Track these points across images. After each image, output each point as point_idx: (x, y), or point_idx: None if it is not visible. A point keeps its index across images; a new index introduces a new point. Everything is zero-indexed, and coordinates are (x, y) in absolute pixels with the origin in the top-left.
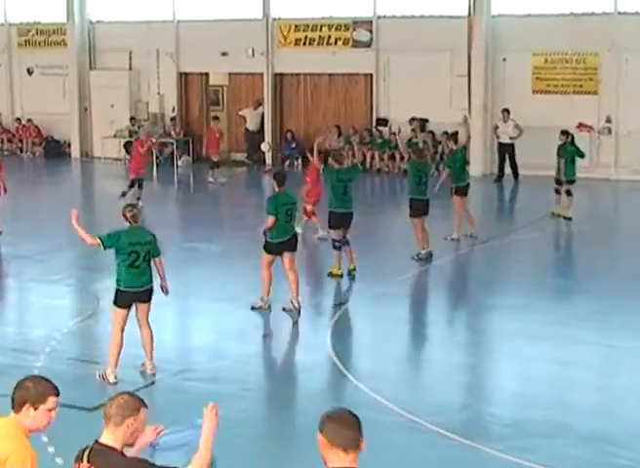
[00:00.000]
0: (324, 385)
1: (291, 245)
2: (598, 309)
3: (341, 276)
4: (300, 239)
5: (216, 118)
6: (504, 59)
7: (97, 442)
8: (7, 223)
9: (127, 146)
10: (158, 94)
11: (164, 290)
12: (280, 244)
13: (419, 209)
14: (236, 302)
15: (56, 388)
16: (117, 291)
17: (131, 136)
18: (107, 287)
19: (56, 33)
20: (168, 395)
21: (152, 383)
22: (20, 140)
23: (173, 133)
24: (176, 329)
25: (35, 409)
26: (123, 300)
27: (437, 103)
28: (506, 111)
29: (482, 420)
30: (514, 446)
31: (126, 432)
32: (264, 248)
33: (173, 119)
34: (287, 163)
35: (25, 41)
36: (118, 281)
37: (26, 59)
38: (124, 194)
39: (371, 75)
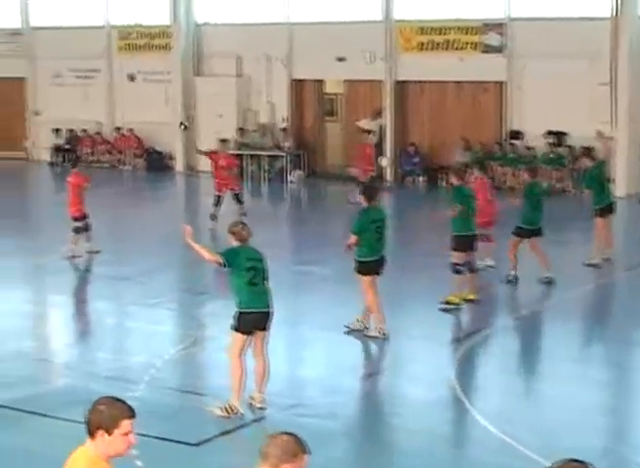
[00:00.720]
0: (449, 424)
1: (378, 266)
2: None
3: (466, 302)
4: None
5: (368, 132)
6: None
7: None
8: (106, 241)
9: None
10: (268, 102)
11: None
12: (372, 263)
13: (524, 234)
14: (350, 331)
15: (131, 410)
16: (239, 313)
17: (239, 148)
18: (212, 311)
19: (159, 36)
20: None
21: (262, 418)
22: (120, 152)
23: (284, 145)
24: (286, 359)
25: (109, 434)
26: (245, 324)
27: (576, 115)
28: None
29: (624, 465)
30: None
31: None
32: (358, 270)
33: (284, 130)
34: (408, 179)
35: (127, 45)
36: (240, 303)
37: (127, 65)
38: (213, 217)
39: (502, 83)
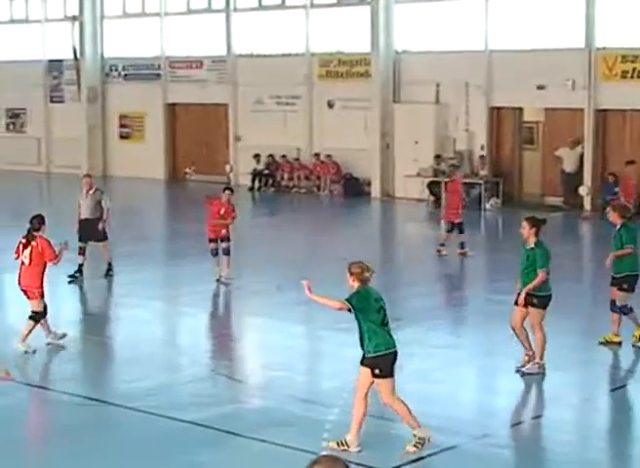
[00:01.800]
0: None
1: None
2: None
3: (620, 344)
4: None
5: (631, 162)
6: None
7: None
8: (298, 266)
9: (431, 187)
10: (466, 130)
11: None
12: (549, 297)
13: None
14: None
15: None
16: (377, 357)
17: (436, 175)
18: (405, 338)
19: (359, 64)
20: (469, 462)
21: (453, 447)
22: (318, 177)
23: (481, 173)
24: (478, 389)
25: None
26: (388, 365)
27: None
28: None
29: None
30: None
31: None
32: (541, 304)
33: (482, 157)
34: (607, 209)
35: (327, 72)
36: (376, 346)
37: (327, 92)
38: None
39: None
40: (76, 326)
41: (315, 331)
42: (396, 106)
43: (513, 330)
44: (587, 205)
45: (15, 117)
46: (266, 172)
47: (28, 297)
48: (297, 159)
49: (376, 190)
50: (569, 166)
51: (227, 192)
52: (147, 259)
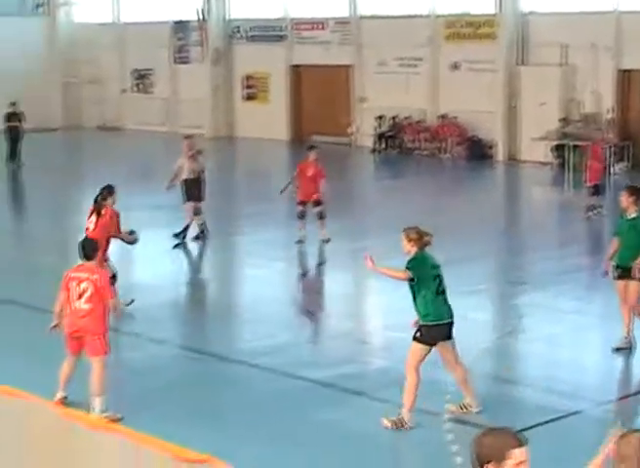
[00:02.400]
0: None
1: None
2: None
3: None
4: None
5: None
6: None
7: None
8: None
9: (557, 150)
10: (593, 92)
11: None
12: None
13: None
14: None
15: (518, 438)
16: (426, 326)
17: (561, 138)
18: (532, 302)
19: (485, 25)
20: (593, 428)
21: (578, 412)
22: (442, 140)
23: (609, 136)
24: (604, 355)
25: (500, 466)
26: (431, 337)
27: None
28: None
29: None
30: None
31: None
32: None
33: (609, 121)
34: None
35: (452, 34)
36: (427, 315)
37: (452, 53)
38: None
39: None
40: (198, 287)
41: None
42: (522, 68)
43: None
44: None
45: (141, 78)
46: (390, 133)
47: None
48: (420, 121)
49: (500, 153)
50: None
51: (314, 151)
52: (270, 220)
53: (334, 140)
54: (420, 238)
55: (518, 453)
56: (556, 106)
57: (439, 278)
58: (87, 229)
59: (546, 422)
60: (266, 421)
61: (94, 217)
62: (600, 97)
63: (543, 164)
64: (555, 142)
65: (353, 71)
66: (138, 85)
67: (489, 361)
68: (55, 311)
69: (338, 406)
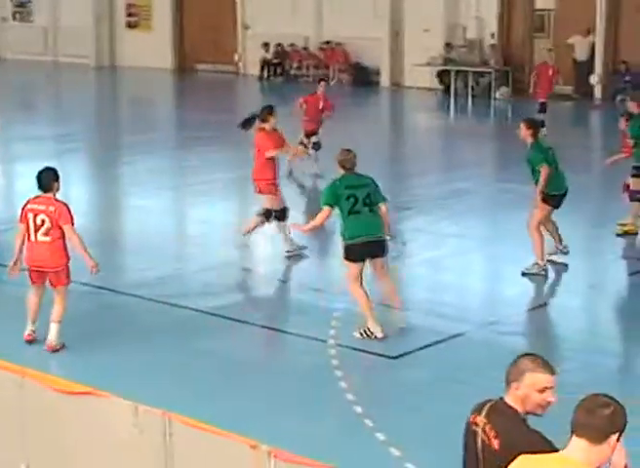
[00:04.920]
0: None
1: (562, 200)
2: None
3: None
4: None
5: (549, 50)
6: None
7: (501, 398)
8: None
9: (441, 76)
10: (477, 18)
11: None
12: (559, 197)
13: None
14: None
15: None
16: (345, 246)
17: (445, 63)
18: (416, 227)
19: None
20: (478, 348)
21: (460, 334)
22: (327, 66)
23: (491, 61)
24: (485, 277)
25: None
26: (353, 255)
27: None
28: None
29: None
30: None
31: (516, 398)
32: (545, 200)
33: (492, 46)
34: (618, 98)
35: None
36: (342, 235)
37: None
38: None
39: None
40: (86, 217)
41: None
42: None
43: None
44: (598, 93)
45: (21, 6)
46: (275, 61)
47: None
48: (305, 48)
49: (385, 79)
50: (581, 54)
51: (323, 83)
52: (156, 149)
53: (219, 69)
54: (342, 161)
55: (543, 379)
56: (440, 32)
57: (353, 198)
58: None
59: (433, 344)
60: (148, 349)
61: None
62: (483, 23)
63: (428, 90)
64: (439, 68)
65: None
66: (17, 13)
67: (377, 287)
68: (16, 244)
69: (223, 334)
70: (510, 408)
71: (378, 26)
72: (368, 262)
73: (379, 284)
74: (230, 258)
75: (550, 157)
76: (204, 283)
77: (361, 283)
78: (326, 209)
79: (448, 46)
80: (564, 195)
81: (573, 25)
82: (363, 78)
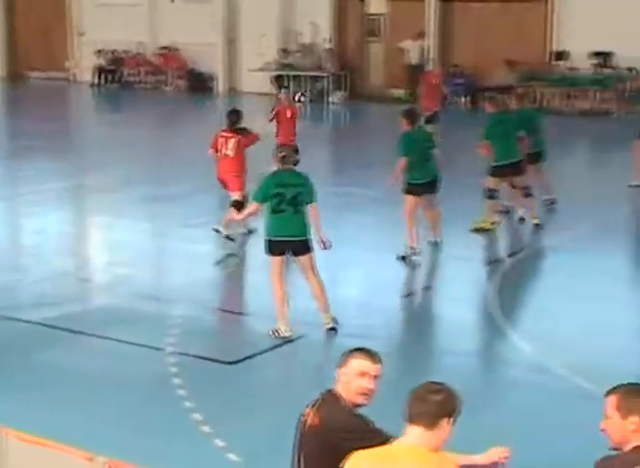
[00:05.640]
0: (486, 345)
1: (431, 187)
2: None
3: (491, 231)
4: None
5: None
6: None
7: (330, 389)
8: (147, 162)
9: (277, 80)
10: (311, 23)
11: (321, 243)
12: (421, 185)
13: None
14: (392, 253)
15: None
16: (266, 241)
17: (281, 68)
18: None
19: None
20: (317, 350)
21: (299, 337)
22: (163, 72)
23: (326, 66)
24: (325, 280)
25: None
26: (273, 250)
27: (623, 34)
28: None
29: None
30: None
31: (341, 385)
32: (406, 190)
33: (326, 51)
34: (451, 100)
35: None
36: (265, 230)
37: None
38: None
39: (548, 1)
40: None
41: (162, 227)
42: (240, 0)
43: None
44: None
45: None
46: (110, 67)
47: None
48: (141, 54)
49: (220, 85)
50: (413, 58)
51: (284, 91)
52: None
53: (52, 76)
54: (276, 156)
55: (364, 365)
56: (275, 38)
57: (280, 196)
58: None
59: (273, 348)
60: None
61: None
62: (318, 29)
63: (264, 94)
64: (275, 73)
65: (71, 3)
66: None
67: (214, 291)
68: None
69: (56, 347)
70: (337, 396)
71: (213, 32)
72: (294, 262)
73: (307, 283)
74: (66, 268)
75: (417, 147)
76: (39, 294)
77: (281, 279)
78: (254, 204)
79: (283, 51)
80: (429, 184)
81: (405, 29)
82: (199, 84)
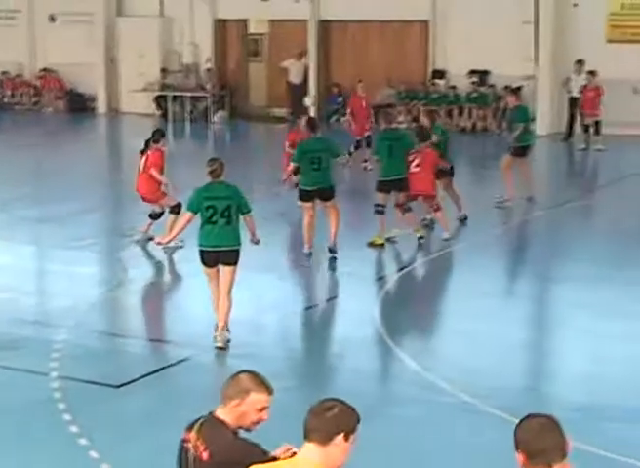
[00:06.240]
0: (372, 362)
1: (320, 195)
2: None
3: (383, 245)
4: None
5: (359, 81)
6: (575, 5)
7: (211, 413)
8: (28, 183)
9: (158, 101)
10: (191, 43)
11: (255, 241)
12: (308, 192)
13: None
14: (274, 271)
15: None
16: (199, 251)
17: (162, 88)
18: (137, 253)
19: None
20: (203, 372)
21: (185, 359)
22: (41, 94)
23: (208, 86)
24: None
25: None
26: (204, 260)
27: (500, 54)
28: (580, 62)
29: (547, 403)
30: (583, 431)
31: (232, 413)
32: (299, 196)
33: (208, 70)
34: (332, 119)
35: None
36: (198, 240)
37: (48, 5)
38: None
39: (427, 22)
40: None
41: (44, 249)
42: (120, 19)
43: None
44: (312, 115)
45: None
46: None
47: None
48: (19, 75)
49: (102, 105)
50: (295, 77)
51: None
52: None
53: None
54: (207, 169)
55: (264, 399)
56: (156, 58)
57: (212, 209)
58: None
59: (157, 370)
60: None
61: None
62: (198, 48)
63: (146, 115)
64: (156, 93)
65: None
66: None
67: (98, 315)
68: None
69: None
70: (221, 421)
71: (92, 52)
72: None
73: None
74: None
75: (307, 156)
76: None
77: (214, 287)
78: (187, 214)
79: (164, 71)
80: (318, 191)
81: (286, 49)
82: (79, 105)
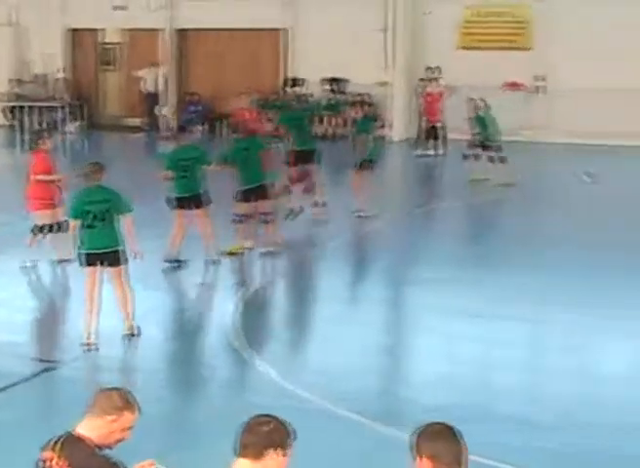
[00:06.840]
0: (230, 371)
1: (189, 201)
2: (524, 282)
3: (243, 253)
4: None
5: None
6: (429, 12)
7: (71, 431)
8: None
9: (10, 111)
10: (43, 53)
11: (134, 254)
12: (179, 199)
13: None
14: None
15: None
16: (79, 254)
17: (15, 99)
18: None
19: None
20: (64, 386)
21: (46, 370)
22: None
23: (61, 96)
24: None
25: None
26: (85, 262)
27: (354, 62)
28: (431, 69)
29: (402, 406)
30: None
31: (103, 428)
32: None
33: (60, 80)
34: (188, 128)
35: None
36: (80, 244)
37: None
38: None
39: (282, 30)
40: None
41: None
42: None
43: None
44: (164, 124)
45: None
46: None
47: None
48: None
49: None
50: (150, 86)
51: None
52: None
53: None
54: (82, 174)
55: (132, 419)
56: (8, 67)
57: (91, 213)
58: None
59: (13, 385)
60: None
61: None
62: (50, 58)
63: None
64: (9, 104)
65: None
66: None
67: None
68: None
69: None
70: (82, 439)
71: None
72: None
73: (114, 292)
74: None
75: (176, 164)
76: None
77: (93, 290)
78: (72, 222)
79: (15, 81)
80: (188, 198)
81: (142, 58)
82: None
